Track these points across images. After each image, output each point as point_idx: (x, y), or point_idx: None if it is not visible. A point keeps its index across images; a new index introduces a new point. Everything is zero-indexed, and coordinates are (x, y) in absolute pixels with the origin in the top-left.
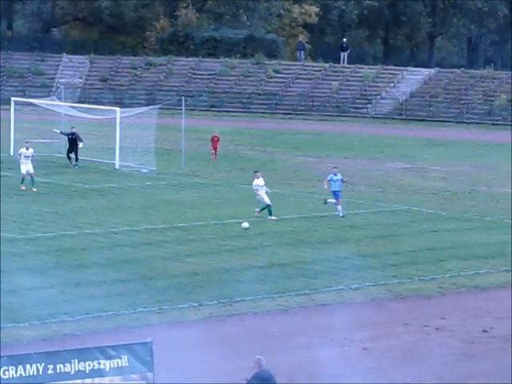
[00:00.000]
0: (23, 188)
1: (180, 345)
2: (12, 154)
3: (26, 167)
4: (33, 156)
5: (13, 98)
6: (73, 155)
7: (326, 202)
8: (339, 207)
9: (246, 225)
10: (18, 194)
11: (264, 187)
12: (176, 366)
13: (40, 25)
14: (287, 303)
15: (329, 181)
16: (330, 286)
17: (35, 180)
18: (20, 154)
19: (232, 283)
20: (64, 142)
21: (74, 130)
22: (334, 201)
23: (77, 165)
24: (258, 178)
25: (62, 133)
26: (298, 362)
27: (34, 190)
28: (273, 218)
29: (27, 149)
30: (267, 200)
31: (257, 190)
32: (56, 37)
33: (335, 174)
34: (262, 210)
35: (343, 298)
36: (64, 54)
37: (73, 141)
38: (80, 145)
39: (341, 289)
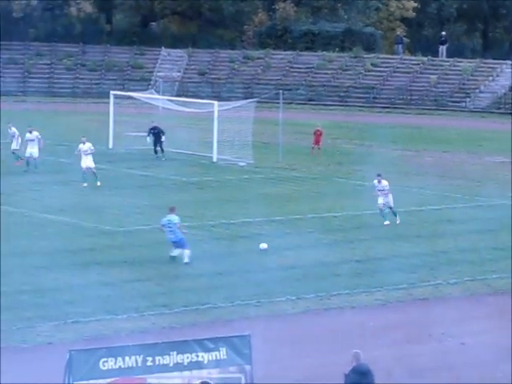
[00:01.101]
0: (85, 185)
1: (277, 338)
2: (111, 146)
3: (86, 163)
4: (91, 149)
5: (112, 92)
6: (158, 148)
7: None
8: None
9: (264, 246)
10: (116, 187)
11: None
12: (273, 359)
13: (139, 19)
14: (385, 297)
15: None
16: (428, 280)
17: (97, 174)
18: (79, 151)
19: (329, 277)
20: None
21: (155, 124)
22: None
23: (163, 157)
24: (379, 182)
25: (148, 135)
26: (396, 356)
27: (99, 184)
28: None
29: (84, 143)
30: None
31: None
32: (155, 31)
33: None
34: (395, 215)
35: (441, 292)
36: (162, 47)
37: (156, 135)
38: (162, 138)
39: (439, 283)
